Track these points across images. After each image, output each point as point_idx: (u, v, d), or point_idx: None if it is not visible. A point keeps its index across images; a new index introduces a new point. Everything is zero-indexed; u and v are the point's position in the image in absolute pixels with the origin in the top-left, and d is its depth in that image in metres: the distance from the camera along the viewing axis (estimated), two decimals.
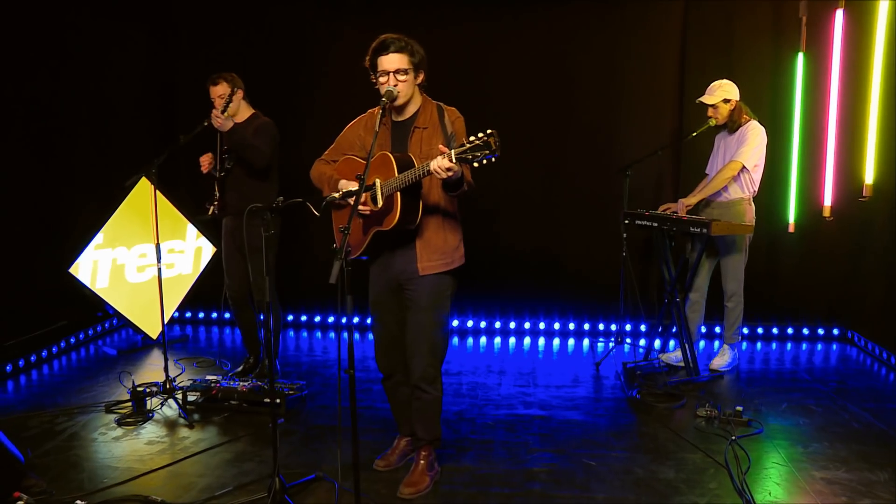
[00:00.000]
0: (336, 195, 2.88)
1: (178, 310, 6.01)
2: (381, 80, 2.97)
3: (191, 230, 5.80)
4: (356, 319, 6.15)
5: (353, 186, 2.95)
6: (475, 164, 2.57)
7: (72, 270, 5.14)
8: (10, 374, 4.88)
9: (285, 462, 3.56)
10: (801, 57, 5.39)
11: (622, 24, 5.75)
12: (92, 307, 5.71)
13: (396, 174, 2.88)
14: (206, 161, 4.58)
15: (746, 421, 4.01)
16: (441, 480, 3.36)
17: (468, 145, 2.55)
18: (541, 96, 5.86)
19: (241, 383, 4.31)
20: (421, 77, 3.06)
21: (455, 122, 3.06)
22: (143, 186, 5.21)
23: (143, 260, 5.50)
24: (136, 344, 5.61)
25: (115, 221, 5.31)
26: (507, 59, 5.86)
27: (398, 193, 2.88)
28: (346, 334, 2.67)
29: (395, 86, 2.95)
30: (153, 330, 5.58)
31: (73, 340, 5.58)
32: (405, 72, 2.95)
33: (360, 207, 2.96)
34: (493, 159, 2.52)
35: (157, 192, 5.25)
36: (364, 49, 3.06)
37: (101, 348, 5.59)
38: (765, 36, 5.54)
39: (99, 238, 5.25)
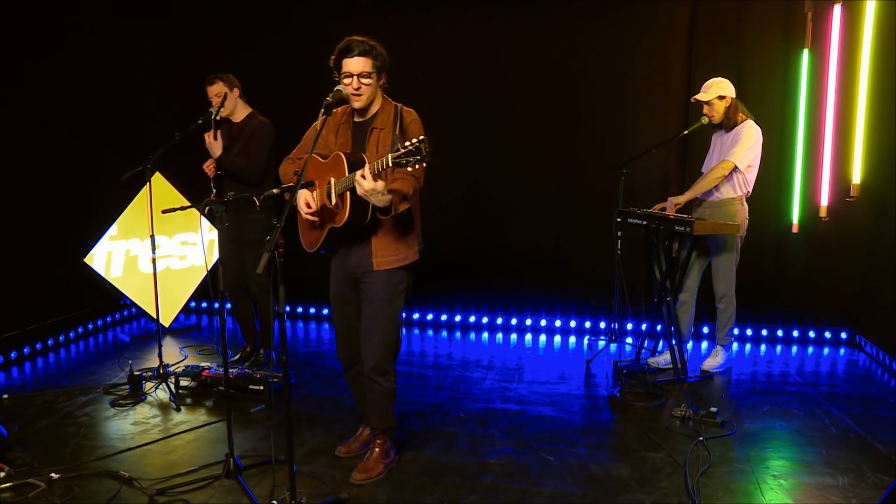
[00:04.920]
0: (275, 190, 3.03)
1: (192, 299, 6.27)
2: (346, 81, 3.09)
3: (204, 223, 6.04)
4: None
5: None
6: (409, 168, 2.74)
7: (87, 260, 5.45)
8: (27, 356, 5.22)
9: (256, 445, 3.73)
10: (806, 54, 5.26)
11: (630, 22, 5.71)
12: (113, 295, 6.03)
13: (347, 174, 3.00)
14: (209, 167, 4.79)
15: (720, 422, 3.97)
16: (397, 469, 3.46)
17: (402, 150, 2.69)
18: (549, 94, 5.88)
19: (230, 370, 4.50)
20: (383, 79, 3.17)
21: (410, 125, 3.15)
22: (157, 180, 5.45)
23: (155, 251, 5.75)
24: (150, 331, 5.90)
25: (128, 214, 5.60)
26: (516, 58, 5.90)
27: (348, 192, 3.01)
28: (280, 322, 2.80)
29: (359, 89, 3.08)
30: (166, 318, 5.86)
31: (90, 326, 5.90)
32: (368, 75, 3.07)
33: (307, 214, 3.12)
34: (424, 164, 2.72)
35: (171, 185, 5.59)
36: None
37: (117, 335, 5.89)
38: (772, 33, 5.42)
39: (113, 230, 5.55)
